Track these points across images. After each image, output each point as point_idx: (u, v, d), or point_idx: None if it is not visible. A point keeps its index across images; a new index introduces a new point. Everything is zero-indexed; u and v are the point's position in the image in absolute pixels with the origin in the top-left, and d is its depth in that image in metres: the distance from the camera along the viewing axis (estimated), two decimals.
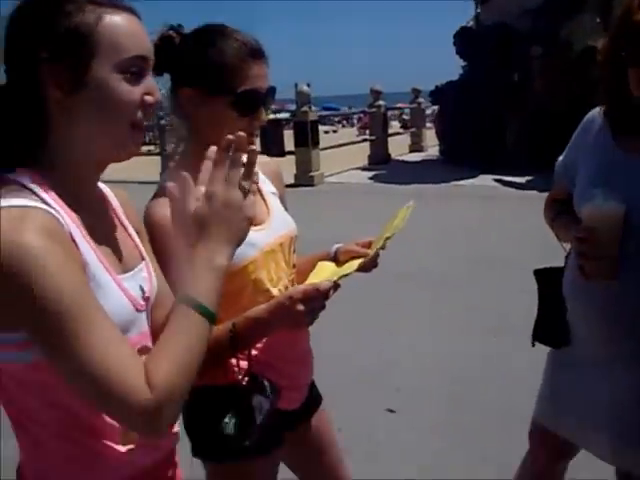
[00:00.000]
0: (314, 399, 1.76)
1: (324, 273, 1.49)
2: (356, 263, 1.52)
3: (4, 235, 0.89)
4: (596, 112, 1.80)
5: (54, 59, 0.98)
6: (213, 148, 1.12)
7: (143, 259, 1.19)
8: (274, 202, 1.63)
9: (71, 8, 0.99)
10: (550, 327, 1.85)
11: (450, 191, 10.49)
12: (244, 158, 1.10)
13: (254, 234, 1.49)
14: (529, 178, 10.13)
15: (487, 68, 12.13)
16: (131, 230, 1.21)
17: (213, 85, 1.41)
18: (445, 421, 3.30)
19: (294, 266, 1.64)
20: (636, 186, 1.60)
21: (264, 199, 1.61)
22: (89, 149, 1.04)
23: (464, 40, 13.56)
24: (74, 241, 0.98)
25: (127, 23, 1.03)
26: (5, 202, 0.93)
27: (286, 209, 1.69)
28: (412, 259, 6.38)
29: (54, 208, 0.97)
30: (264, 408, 1.38)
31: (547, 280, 1.89)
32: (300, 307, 1.35)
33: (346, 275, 1.45)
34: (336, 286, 1.40)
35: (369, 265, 1.59)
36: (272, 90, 1.49)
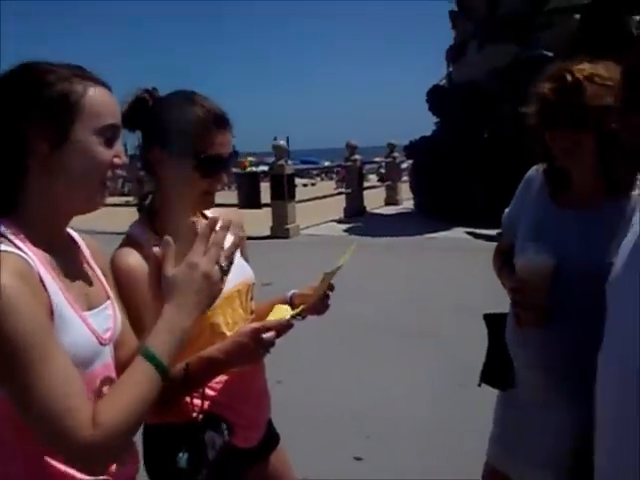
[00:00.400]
0: (272, 438, 1.83)
1: (278, 314, 1.59)
2: (306, 303, 1.62)
3: None
4: (535, 169, 1.95)
5: (45, 118, 1.12)
6: (203, 222, 1.27)
7: (109, 298, 1.30)
8: None
9: (62, 78, 1.15)
10: (497, 370, 1.95)
11: (423, 243, 10.67)
12: (228, 238, 1.25)
13: None
14: (499, 231, 10.29)
15: (458, 125, 12.50)
16: (98, 272, 1.32)
17: (178, 148, 1.52)
18: (414, 468, 3.33)
19: (252, 312, 1.74)
20: (566, 240, 1.73)
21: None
22: (63, 201, 1.17)
23: (436, 98, 13.98)
24: (42, 282, 1.09)
25: (105, 95, 1.20)
26: None
27: (246, 259, 1.80)
28: (385, 308, 6.49)
29: (26, 253, 1.09)
30: (217, 444, 1.46)
31: (495, 324, 2.00)
32: (251, 344, 1.45)
33: (298, 314, 1.55)
34: (289, 325, 1.51)
35: (319, 306, 1.68)
36: (234, 154, 1.61)
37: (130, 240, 1.56)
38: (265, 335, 1.45)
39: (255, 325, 1.50)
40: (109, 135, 1.18)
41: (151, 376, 1.11)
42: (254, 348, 1.46)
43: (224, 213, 1.80)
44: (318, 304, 1.66)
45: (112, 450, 1.05)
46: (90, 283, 1.26)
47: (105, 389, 1.21)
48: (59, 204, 1.17)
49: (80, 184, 1.16)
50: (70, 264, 1.22)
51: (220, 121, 1.56)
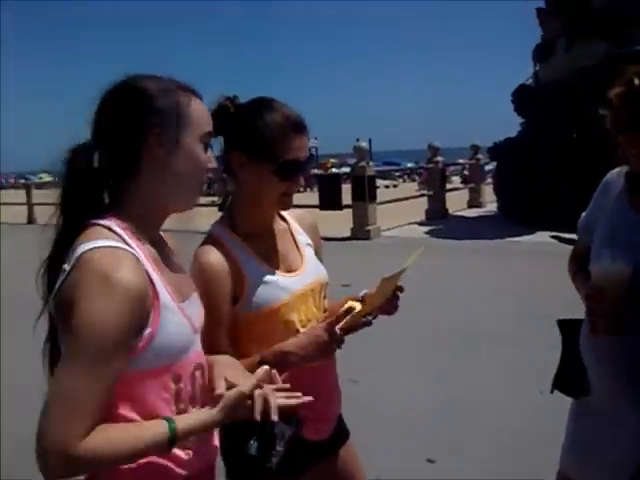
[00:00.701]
0: (342, 432, 1.89)
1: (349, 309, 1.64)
2: (376, 303, 1.66)
3: (102, 267, 1.13)
4: (616, 173, 1.90)
5: (162, 126, 1.25)
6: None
7: (195, 290, 1.42)
8: (308, 252, 1.81)
9: (170, 90, 1.28)
10: (570, 377, 1.92)
11: (506, 247, 10.46)
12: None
13: (288, 279, 1.69)
14: None
15: (545, 126, 12.16)
16: (182, 264, 1.44)
17: (259, 153, 1.61)
18: (488, 474, 3.31)
19: (325, 310, 1.80)
20: None
21: (298, 249, 1.79)
22: (167, 200, 1.31)
23: (522, 98, 13.65)
24: (148, 274, 1.21)
25: (203, 105, 1.34)
26: (100, 243, 1.17)
27: (320, 259, 1.86)
28: (464, 312, 6.42)
29: (134, 248, 1.21)
30: (286, 436, 1.52)
31: (570, 331, 1.96)
32: (325, 338, 1.54)
33: (368, 313, 1.61)
34: (365, 323, 1.59)
35: (388, 307, 1.71)
36: (311, 158, 1.71)
37: (211, 238, 1.66)
38: (338, 329, 1.53)
39: (330, 320, 1.57)
40: (207, 141, 1.32)
41: (158, 438, 1.17)
42: (328, 342, 1.54)
43: (300, 214, 1.87)
44: (386, 305, 1.69)
45: (74, 470, 1.12)
46: (180, 275, 1.38)
47: (198, 374, 1.32)
48: (163, 203, 1.31)
49: (185, 186, 1.31)
50: (165, 258, 1.34)
51: (297, 126, 1.64)
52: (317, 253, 1.86)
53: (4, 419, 3.75)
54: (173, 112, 1.26)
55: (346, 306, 1.64)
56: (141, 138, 1.25)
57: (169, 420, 1.19)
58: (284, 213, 1.83)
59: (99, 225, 1.22)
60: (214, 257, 1.60)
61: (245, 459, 1.50)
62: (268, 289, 1.65)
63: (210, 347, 1.53)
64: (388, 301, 1.69)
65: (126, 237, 1.22)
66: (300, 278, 1.73)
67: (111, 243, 1.18)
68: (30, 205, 18.89)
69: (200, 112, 1.32)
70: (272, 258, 1.71)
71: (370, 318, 1.65)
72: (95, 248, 1.16)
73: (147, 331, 1.19)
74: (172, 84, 1.30)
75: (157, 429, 1.17)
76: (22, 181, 23.53)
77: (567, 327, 1.97)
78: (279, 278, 1.68)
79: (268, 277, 1.66)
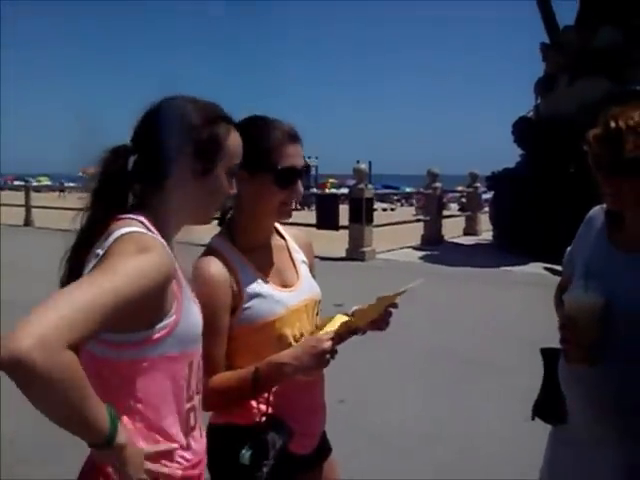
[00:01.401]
0: (324, 447, 1.92)
1: (338, 323, 1.70)
2: (368, 318, 1.71)
3: (140, 242, 1.23)
4: (599, 208, 1.97)
5: (195, 155, 1.35)
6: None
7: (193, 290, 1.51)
8: (303, 269, 1.86)
9: (211, 120, 1.38)
10: (549, 404, 1.96)
11: (499, 276, 10.53)
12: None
13: (283, 294, 1.74)
14: None
15: (544, 158, 12.28)
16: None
17: (257, 164, 1.67)
18: None
19: (317, 327, 1.83)
20: (617, 280, 1.74)
21: (295, 265, 1.84)
22: (185, 214, 1.41)
23: (522, 130, 13.79)
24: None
25: (238, 137, 1.44)
26: (136, 229, 1.27)
27: (314, 276, 1.91)
28: (453, 338, 6.46)
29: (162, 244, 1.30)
30: (277, 445, 1.56)
31: (551, 359, 2.01)
32: (319, 349, 1.59)
33: (357, 327, 1.67)
34: (356, 330, 1.67)
35: (380, 323, 1.76)
36: (307, 168, 1.77)
37: (211, 250, 1.71)
38: (330, 338, 1.60)
39: (320, 335, 1.63)
40: (234, 171, 1.43)
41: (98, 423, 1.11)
42: (322, 352, 1.59)
43: (295, 233, 1.93)
44: (378, 320, 1.74)
45: (40, 368, 0.99)
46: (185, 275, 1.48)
47: (200, 362, 1.41)
48: (181, 215, 1.41)
49: (205, 206, 1.43)
50: (177, 260, 1.43)
51: (292, 136, 1.72)
52: (311, 271, 1.91)
53: (4, 419, 3.77)
54: (209, 144, 1.36)
55: (339, 319, 1.69)
56: (176, 159, 1.34)
57: (109, 409, 1.15)
58: (282, 230, 1.88)
59: (130, 218, 1.31)
60: (215, 268, 1.65)
61: (235, 468, 1.53)
62: (264, 302, 1.69)
63: (206, 357, 1.57)
64: (380, 316, 1.74)
65: (154, 231, 1.31)
66: (295, 294, 1.77)
67: (146, 231, 1.28)
68: (28, 207, 18.95)
69: (235, 145, 1.42)
70: (269, 272, 1.76)
71: (360, 334, 1.70)
72: (133, 232, 1.25)
73: (172, 318, 1.28)
74: (216, 115, 1.39)
75: (101, 408, 1.13)
76: (21, 183, 23.63)
77: (549, 355, 2.02)
78: (275, 292, 1.72)
79: (264, 290, 1.70)
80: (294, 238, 1.91)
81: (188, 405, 1.37)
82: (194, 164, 1.35)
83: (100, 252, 1.23)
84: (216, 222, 1.81)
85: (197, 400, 1.42)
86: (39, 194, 23.21)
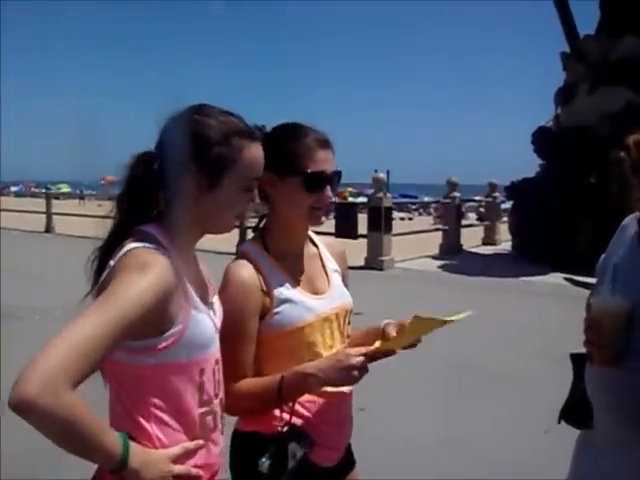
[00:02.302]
0: (349, 461, 1.90)
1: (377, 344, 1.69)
2: (404, 342, 1.70)
3: (141, 259, 1.27)
4: (633, 217, 1.96)
5: (201, 172, 1.38)
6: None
7: (216, 293, 1.56)
8: (335, 277, 1.85)
9: (222, 137, 1.40)
10: (575, 408, 1.96)
11: (518, 286, 10.46)
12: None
13: (314, 301, 1.74)
14: None
15: (564, 168, 12.21)
16: (206, 273, 1.57)
17: (287, 168, 1.69)
18: None
19: (348, 336, 1.83)
20: None
21: (327, 273, 1.84)
22: (202, 222, 1.44)
23: (542, 140, 13.72)
24: (180, 278, 1.34)
25: (257, 152, 1.46)
26: (143, 244, 1.32)
27: (346, 286, 1.91)
28: (471, 349, 6.42)
29: (170, 253, 1.34)
30: (297, 456, 1.56)
31: (580, 363, 2.00)
32: (349, 365, 1.57)
33: (391, 350, 1.67)
34: (390, 353, 1.66)
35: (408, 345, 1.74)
36: (338, 173, 1.76)
37: (243, 255, 1.72)
38: (362, 354, 1.58)
39: (351, 350, 1.62)
40: (251, 185, 1.45)
41: (113, 450, 1.19)
42: (350, 367, 1.57)
43: (329, 242, 1.94)
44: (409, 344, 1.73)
45: (46, 409, 1.07)
46: (203, 282, 1.51)
47: (216, 368, 1.45)
48: (199, 223, 1.44)
49: (217, 218, 1.45)
50: (193, 266, 1.48)
51: (322, 141, 1.73)
52: (343, 280, 1.90)
53: (4, 420, 3.79)
54: (216, 161, 1.38)
55: (376, 345, 1.67)
56: (191, 167, 1.38)
57: (123, 437, 1.23)
58: (315, 238, 1.89)
59: (144, 232, 1.37)
60: (246, 272, 1.65)
61: (255, 477, 1.54)
62: (294, 308, 1.68)
63: (234, 362, 1.60)
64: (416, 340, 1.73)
65: (165, 244, 1.35)
66: (326, 301, 1.76)
67: (152, 246, 1.32)
68: (49, 214, 19.26)
69: (249, 160, 1.42)
70: (300, 279, 1.75)
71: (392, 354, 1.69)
72: (138, 248, 1.31)
73: (178, 327, 1.32)
74: (232, 129, 1.41)
75: (111, 436, 1.22)
76: (42, 190, 24.04)
77: (578, 360, 2.02)
78: (305, 298, 1.72)
79: (295, 296, 1.70)
80: (327, 247, 1.91)
81: (202, 410, 1.40)
82: (200, 179, 1.38)
83: (112, 263, 1.31)
84: (251, 230, 1.83)
85: (217, 404, 1.45)
86: (58, 201, 23.53)
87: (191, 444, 1.36)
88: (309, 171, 1.68)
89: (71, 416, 1.10)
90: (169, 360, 1.32)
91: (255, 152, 1.45)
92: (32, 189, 44.29)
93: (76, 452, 1.16)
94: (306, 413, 1.70)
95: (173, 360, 1.33)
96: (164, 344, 1.30)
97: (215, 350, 1.45)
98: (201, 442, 1.39)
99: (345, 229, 12.62)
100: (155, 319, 1.27)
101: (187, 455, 1.35)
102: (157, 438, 1.32)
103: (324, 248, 1.89)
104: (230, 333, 1.59)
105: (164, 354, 1.31)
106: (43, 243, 16.04)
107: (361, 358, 1.58)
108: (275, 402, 1.62)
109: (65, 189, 42.12)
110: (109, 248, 1.37)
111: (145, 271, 1.25)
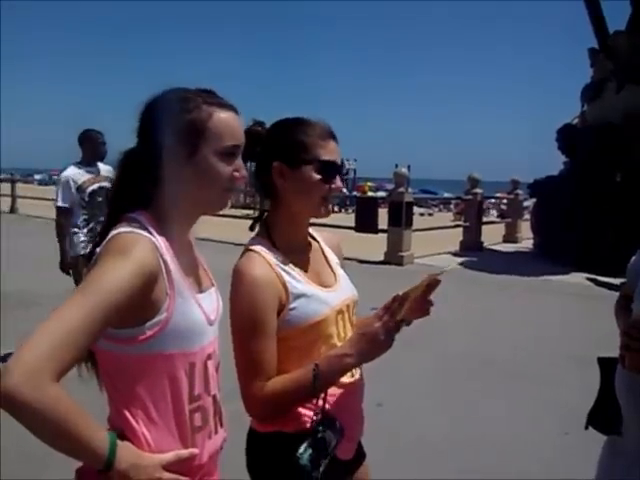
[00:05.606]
0: (361, 454, 1.89)
1: None
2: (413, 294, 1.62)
3: (121, 243, 1.27)
4: None
5: (178, 141, 1.36)
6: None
7: (213, 285, 1.52)
8: (339, 270, 1.85)
9: (192, 107, 1.39)
10: (603, 414, 1.92)
11: (539, 285, 10.33)
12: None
13: (326, 294, 1.72)
14: (624, 280, 9.81)
15: (589, 166, 12.03)
16: (203, 262, 1.54)
17: (300, 156, 1.67)
18: None
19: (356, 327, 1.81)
20: None
21: (330, 266, 1.84)
22: (191, 202, 1.41)
23: (567, 137, 13.55)
24: (166, 263, 1.32)
25: (229, 119, 1.42)
26: (124, 229, 1.30)
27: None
28: (490, 347, 6.37)
29: (155, 237, 1.32)
30: (332, 444, 1.53)
31: (608, 368, 1.96)
32: (379, 331, 1.55)
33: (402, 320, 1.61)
34: (404, 298, 1.58)
35: (423, 310, 1.68)
36: (342, 164, 1.76)
37: (252, 251, 1.68)
38: (389, 315, 1.56)
39: (376, 313, 1.58)
40: (228, 153, 1.40)
41: (99, 448, 1.16)
42: (383, 334, 1.55)
43: (326, 236, 1.94)
44: (421, 305, 1.66)
45: (28, 399, 1.06)
46: (198, 270, 1.49)
47: (210, 364, 1.41)
48: (187, 204, 1.41)
49: (203, 191, 1.39)
50: (186, 253, 1.45)
51: (330, 133, 1.73)
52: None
53: (4, 420, 3.82)
54: (188, 130, 1.37)
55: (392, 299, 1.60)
56: (163, 149, 1.36)
57: (112, 436, 1.21)
58: (314, 232, 1.88)
59: (131, 218, 1.36)
60: (259, 269, 1.62)
61: (285, 476, 1.50)
62: (310, 302, 1.66)
63: (257, 362, 1.57)
64: (422, 301, 1.65)
65: (150, 228, 1.33)
66: (337, 294, 1.75)
67: (134, 230, 1.31)
68: (13, 197, 21.97)
69: (221, 126, 1.39)
70: (309, 273, 1.74)
71: (405, 324, 1.63)
72: (120, 233, 1.30)
73: (163, 316, 1.29)
74: (199, 100, 1.39)
75: (100, 433, 1.19)
76: (8, 176, 25.22)
77: (606, 365, 1.98)
78: (320, 292, 1.70)
79: (309, 290, 1.67)
80: (325, 240, 1.91)
81: (191, 406, 1.36)
82: (178, 151, 1.36)
83: (97, 250, 1.31)
84: (248, 226, 1.82)
85: (209, 402, 1.42)
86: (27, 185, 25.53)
87: (185, 452, 1.33)
88: (323, 159, 1.68)
89: (55, 411, 1.08)
90: (154, 351, 1.29)
91: (226, 118, 1.41)
92: (54, 177, 44.83)
93: (60, 449, 1.13)
94: (326, 407, 1.67)
95: (158, 350, 1.30)
96: (148, 333, 1.28)
97: (207, 343, 1.41)
98: (195, 451, 1.35)
99: (365, 224, 12.59)
100: (137, 304, 1.24)
101: (179, 462, 1.31)
102: (143, 435, 1.29)
103: (322, 241, 1.90)
104: (250, 330, 1.57)
105: (150, 344, 1.28)
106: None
107: (379, 322, 1.56)
108: (310, 394, 1.57)
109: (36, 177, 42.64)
110: (102, 237, 1.36)
111: (125, 255, 1.24)
